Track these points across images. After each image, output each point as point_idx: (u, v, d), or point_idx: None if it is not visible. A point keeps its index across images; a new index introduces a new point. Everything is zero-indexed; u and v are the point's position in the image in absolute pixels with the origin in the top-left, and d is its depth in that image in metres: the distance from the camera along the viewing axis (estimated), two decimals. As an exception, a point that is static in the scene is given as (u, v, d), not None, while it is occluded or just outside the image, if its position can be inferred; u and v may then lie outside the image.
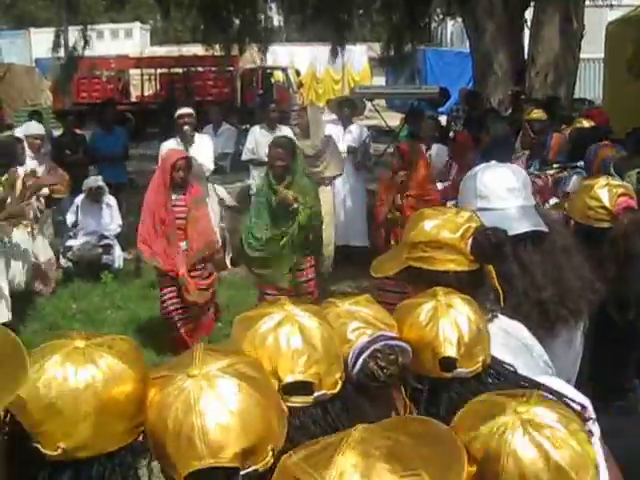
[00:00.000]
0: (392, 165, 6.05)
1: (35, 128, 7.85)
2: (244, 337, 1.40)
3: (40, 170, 6.95)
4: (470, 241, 1.90)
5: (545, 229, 2.25)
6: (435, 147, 7.51)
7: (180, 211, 5.64)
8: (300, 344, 1.38)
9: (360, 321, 1.59)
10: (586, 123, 6.37)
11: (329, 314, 1.57)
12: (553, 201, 4.64)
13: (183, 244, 5.62)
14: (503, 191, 2.26)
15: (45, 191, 6.62)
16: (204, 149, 7.13)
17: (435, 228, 1.92)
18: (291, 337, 1.38)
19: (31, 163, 7.03)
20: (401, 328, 1.66)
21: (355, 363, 1.55)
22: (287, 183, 5.34)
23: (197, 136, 7.22)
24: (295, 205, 5.27)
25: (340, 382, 1.41)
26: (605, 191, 2.80)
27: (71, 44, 16.09)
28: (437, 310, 1.65)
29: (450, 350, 1.60)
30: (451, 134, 8.92)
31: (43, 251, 6.76)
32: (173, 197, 5.63)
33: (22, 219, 6.12)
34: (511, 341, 1.93)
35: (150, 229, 5.61)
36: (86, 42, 14.32)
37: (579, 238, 2.49)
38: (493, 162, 2.52)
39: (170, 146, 6.87)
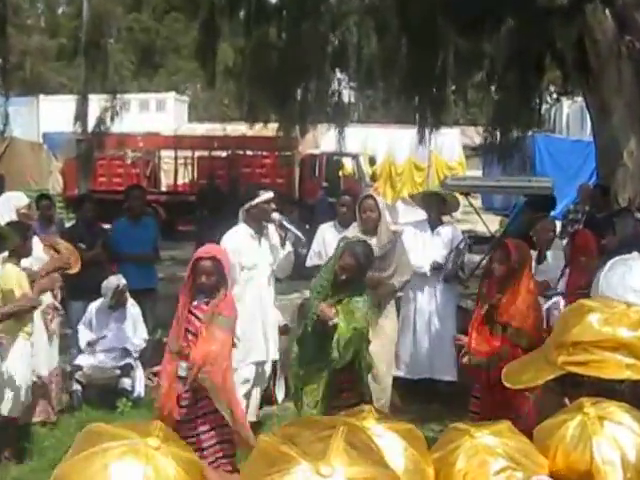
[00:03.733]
0: (485, 277, 6.30)
1: (18, 198, 8.35)
2: None
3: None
4: None
5: None
6: (551, 254, 7.76)
7: (193, 322, 5.81)
8: None
9: (505, 458, 1.62)
10: None
11: (460, 447, 1.62)
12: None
13: (183, 367, 5.71)
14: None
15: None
16: (273, 240, 7.63)
17: (606, 324, 1.93)
18: None
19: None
20: (546, 457, 1.69)
21: None
22: (338, 299, 5.77)
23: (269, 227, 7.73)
24: (335, 320, 5.66)
25: None
26: None
27: (91, 116, 16.87)
28: (587, 426, 1.67)
29: (613, 476, 1.62)
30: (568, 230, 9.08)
31: (46, 361, 7.18)
32: (194, 302, 5.87)
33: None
34: None
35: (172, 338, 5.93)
36: (115, 114, 15.10)
37: None
38: (635, 254, 2.74)
39: (238, 236, 7.37)
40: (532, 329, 5.72)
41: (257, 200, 7.45)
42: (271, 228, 7.70)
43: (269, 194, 7.57)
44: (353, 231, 7.84)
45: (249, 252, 7.40)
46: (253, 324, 7.27)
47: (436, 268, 8.38)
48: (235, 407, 5.77)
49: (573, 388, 1.92)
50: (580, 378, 1.91)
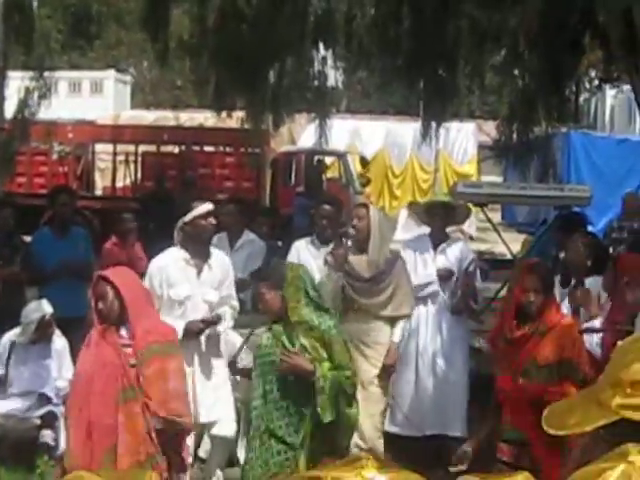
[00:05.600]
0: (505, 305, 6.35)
1: None
2: None
3: None
4: None
5: None
6: (590, 281, 7.80)
7: (126, 356, 5.86)
8: None
9: None
10: None
11: None
12: None
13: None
14: None
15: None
16: (220, 270, 7.62)
17: None
18: None
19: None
20: None
21: None
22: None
23: (213, 252, 7.72)
24: (316, 375, 5.65)
25: None
26: None
27: (10, 98, 16.79)
28: (631, 477, 1.75)
29: None
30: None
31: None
32: (122, 332, 5.95)
33: None
34: None
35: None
36: (40, 97, 15.05)
37: None
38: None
39: (167, 260, 7.41)
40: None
41: (191, 215, 7.46)
42: (216, 254, 7.72)
43: (206, 206, 7.55)
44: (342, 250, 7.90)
45: (180, 282, 7.41)
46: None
47: (445, 277, 8.44)
48: None
49: (629, 437, 1.92)
50: (638, 425, 1.94)
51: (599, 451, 2.02)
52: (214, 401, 7.46)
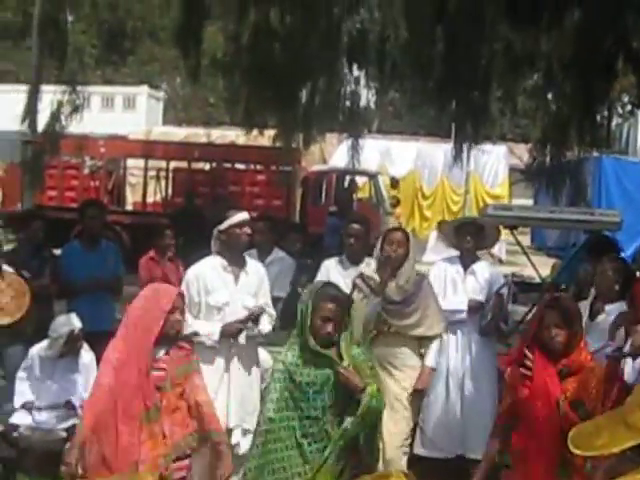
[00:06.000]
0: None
1: None
2: None
3: None
4: None
5: None
6: (613, 308, 7.77)
7: (158, 378, 5.82)
8: None
9: None
10: None
11: None
12: None
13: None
14: None
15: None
16: (257, 277, 7.69)
17: None
18: None
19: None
20: None
21: None
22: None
23: (248, 261, 7.79)
24: (364, 392, 5.65)
25: None
26: None
27: (42, 111, 16.88)
28: None
29: None
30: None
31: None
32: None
33: None
34: None
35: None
36: (73, 111, 15.12)
37: None
38: None
39: (205, 268, 7.44)
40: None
41: (226, 223, 7.53)
42: (252, 262, 7.76)
43: (242, 215, 7.63)
44: (367, 269, 7.90)
45: (218, 289, 7.48)
46: (216, 384, 7.32)
47: (475, 308, 8.41)
48: None
49: None
50: None
51: (624, 471, 2.04)
52: (245, 411, 7.52)
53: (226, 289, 7.50)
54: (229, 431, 7.38)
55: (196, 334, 7.28)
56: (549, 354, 6.01)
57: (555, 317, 6.03)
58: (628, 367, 6.31)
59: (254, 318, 7.49)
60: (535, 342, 6.08)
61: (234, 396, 7.48)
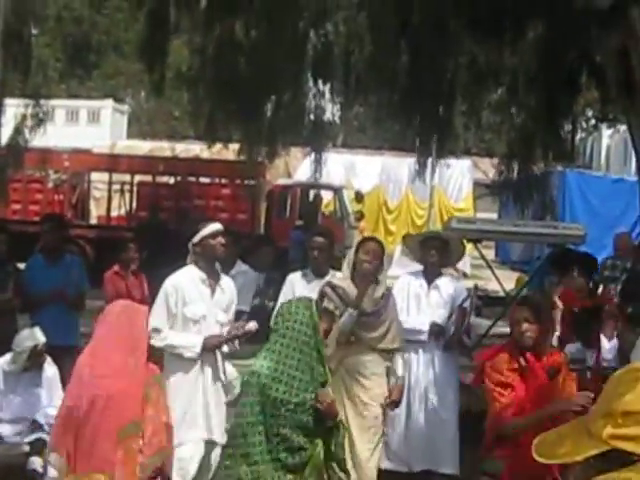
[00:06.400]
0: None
1: None
2: None
3: None
4: None
5: None
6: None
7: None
8: None
9: None
10: None
11: None
12: None
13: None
14: None
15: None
16: (229, 293, 7.69)
17: None
18: None
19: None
20: None
21: None
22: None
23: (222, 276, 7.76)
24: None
25: None
26: None
27: (5, 125, 16.78)
28: None
29: None
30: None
31: None
32: None
33: None
34: None
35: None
36: (36, 124, 15.06)
37: None
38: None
39: (183, 279, 7.41)
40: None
41: (199, 235, 7.50)
42: (225, 278, 7.74)
43: (214, 226, 7.60)
44: (334, 279, 7.87)
45: (195, 301, 7.42)
46: (194, 395, 7.29)
47: (436, 333, 8.41)
48: None
49: (620, 467, 1.92)
50: (629, 456, 1.93)
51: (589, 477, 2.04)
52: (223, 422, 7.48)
53: (203, 302, 7.45)
54: (212, 444, 7.38)
55: (172, 347, 7.27)
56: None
57: (525, 312, 6.09)
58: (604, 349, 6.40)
59: (249, 335, 7.46)
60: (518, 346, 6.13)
61: (212, 408, 7.43)
